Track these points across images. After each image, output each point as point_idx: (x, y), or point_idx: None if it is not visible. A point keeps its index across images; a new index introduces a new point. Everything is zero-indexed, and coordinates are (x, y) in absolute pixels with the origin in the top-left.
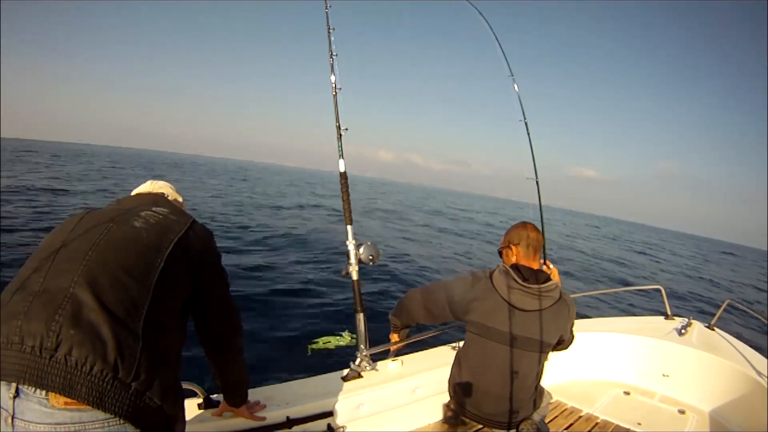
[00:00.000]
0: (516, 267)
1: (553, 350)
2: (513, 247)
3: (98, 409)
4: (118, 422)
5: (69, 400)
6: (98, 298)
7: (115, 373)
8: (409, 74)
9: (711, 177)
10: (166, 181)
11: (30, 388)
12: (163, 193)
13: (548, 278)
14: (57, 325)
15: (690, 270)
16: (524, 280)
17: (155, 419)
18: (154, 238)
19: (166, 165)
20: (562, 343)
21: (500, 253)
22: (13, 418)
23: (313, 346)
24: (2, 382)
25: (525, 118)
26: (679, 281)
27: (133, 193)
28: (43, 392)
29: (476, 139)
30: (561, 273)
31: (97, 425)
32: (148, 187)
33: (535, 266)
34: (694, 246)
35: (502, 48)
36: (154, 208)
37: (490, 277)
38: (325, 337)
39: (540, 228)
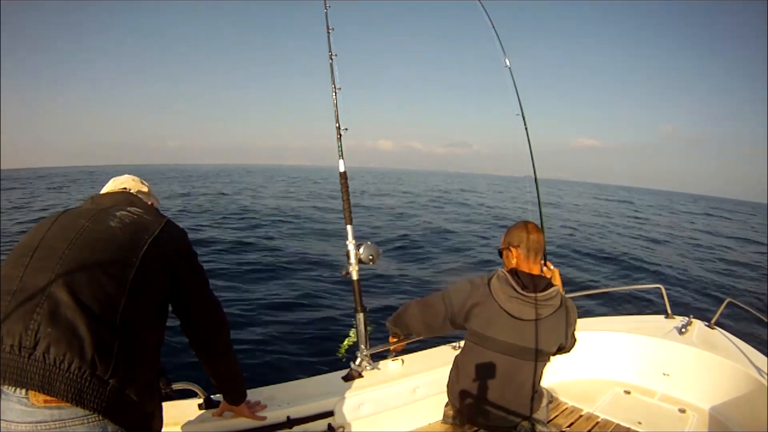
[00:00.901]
0: (515, 273)
1: (552, 355)
2: (513, 249)
3: (77, 405)
4: (97, 418)
5: (48, 398)
6: (75, 296)
7: (92, 369)
8: (408, 62)
9: (714, 135)
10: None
11: (10, 388)
12: (128, 189)
13: (549, 284)
14: (35, 323)
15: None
16: (523, 287)
17: (133, 415)
18: (129, 238)
19: (178, 177)
20: (562, 349)
21: (500, 253)
22: None
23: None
24: None
25: (522, 113)
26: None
27: (103, 191)
28: (23, 391)
29: (476, 121)
30: (568, 262)
31: (76, 422)
32: (111, 185)
33: (536, 270)
34: (707, 206)
35: (497, 33)
36: (129, 208)
37: (488, 284)
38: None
39: (540, 227)
